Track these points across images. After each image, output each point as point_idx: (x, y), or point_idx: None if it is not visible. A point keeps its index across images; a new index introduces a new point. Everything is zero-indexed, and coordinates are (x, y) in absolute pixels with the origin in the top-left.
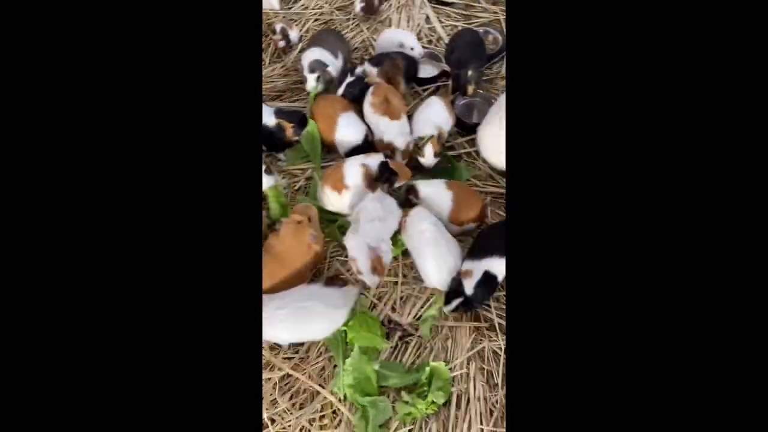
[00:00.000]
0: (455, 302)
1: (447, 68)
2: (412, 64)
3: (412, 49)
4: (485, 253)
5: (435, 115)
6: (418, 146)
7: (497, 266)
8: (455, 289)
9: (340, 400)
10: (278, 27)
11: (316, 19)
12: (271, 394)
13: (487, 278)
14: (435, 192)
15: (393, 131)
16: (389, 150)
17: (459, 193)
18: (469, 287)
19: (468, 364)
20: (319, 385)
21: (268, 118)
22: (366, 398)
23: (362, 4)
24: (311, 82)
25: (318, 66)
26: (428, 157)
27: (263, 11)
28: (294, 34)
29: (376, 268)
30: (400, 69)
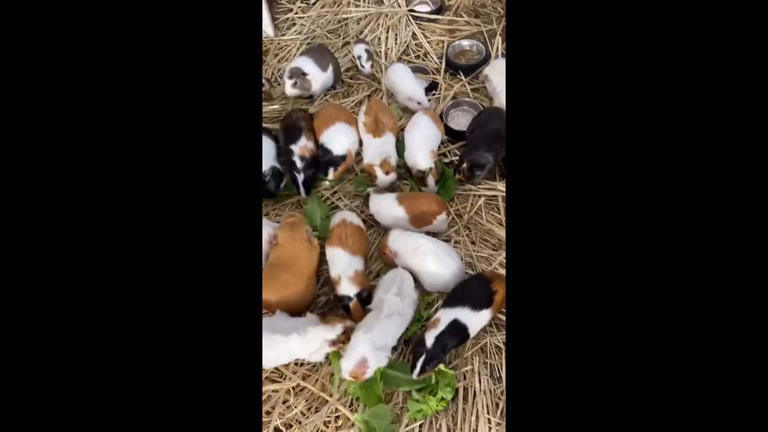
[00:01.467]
0: (419, 362)
1: (437, 80)
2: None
3: (419, 103)
4: (458, 302)
5: (426, 139)
6: (421, 177)
7: (469, 317)
8: (416, 346)
9: (350, 405)
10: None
11: (308, 43)
12: (285, 401)
13: (454, 327)
14: (387, 205)
15: (369, 151)
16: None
17: (411, 204)
18: (430, 339)
19: (472, 359)
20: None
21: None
22: (365, 413)
23: (369, 62)
24: (288, 88)
25: (296, 73)
26: (431, 186)
27: None
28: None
29: (357, 376)
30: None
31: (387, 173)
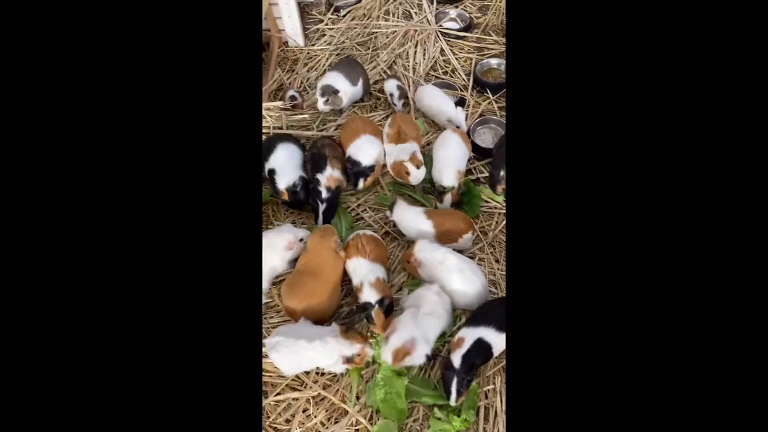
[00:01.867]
0: (453, 386)
1: (465, 97)
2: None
3: (458, 127)
4: (482, 322)
5: (454, 158)
6: (440, 192)
7: (493, 337)
8: (445, 371)
9: (371, 418)
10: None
11: (338, 54)
12: (305, 410)
13: (479, 346)
14: (414, 218)
15: (393, 154)
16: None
17: (438, 220)
18: (456, 359)
19: (494, 378)
20: (352, 400)
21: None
22: (375, 428)
23: (402, 101)
24: (320, 104)
25: (328, 90)
26: (446, 205)
27: (289, 48)
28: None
29: (399, 355)
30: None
31: (418, 167)
